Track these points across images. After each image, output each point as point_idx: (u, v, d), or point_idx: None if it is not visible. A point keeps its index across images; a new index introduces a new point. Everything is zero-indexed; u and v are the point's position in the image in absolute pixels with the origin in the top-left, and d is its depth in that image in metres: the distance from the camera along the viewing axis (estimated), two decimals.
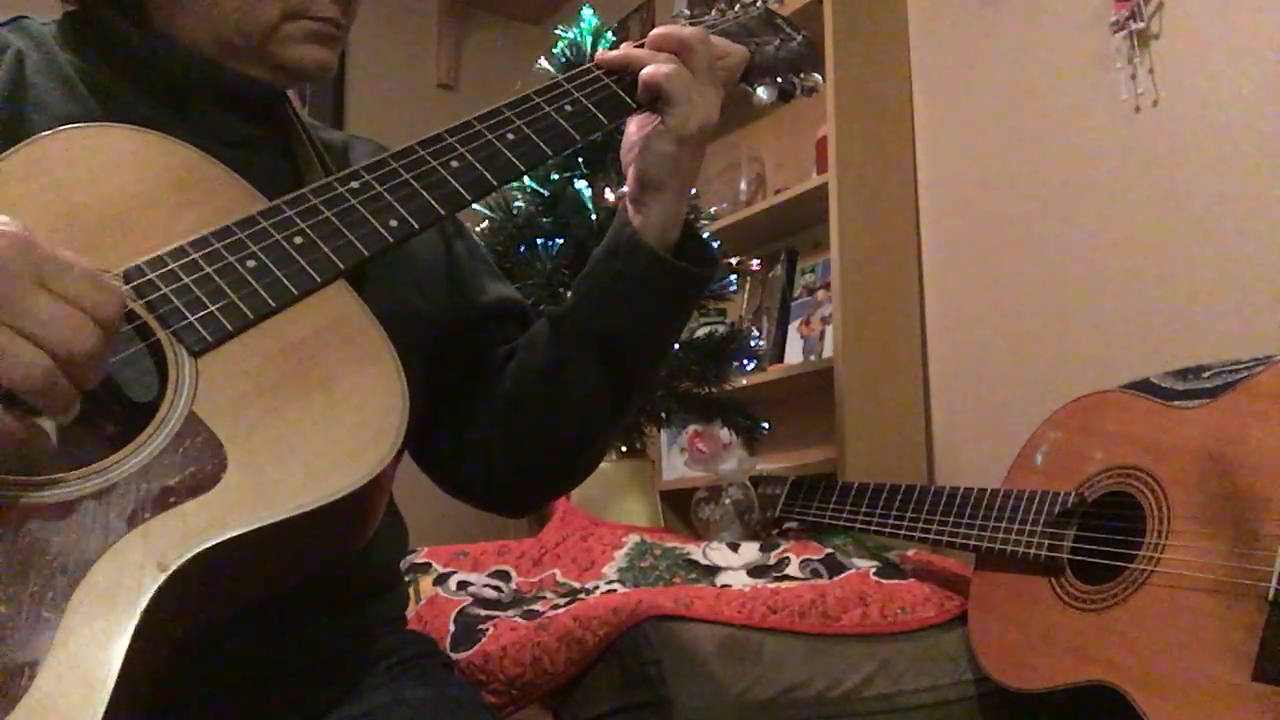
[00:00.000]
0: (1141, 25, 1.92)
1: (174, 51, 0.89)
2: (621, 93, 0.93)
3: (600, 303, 0.96)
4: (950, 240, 2.33)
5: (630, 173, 0.95)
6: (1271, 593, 1.09)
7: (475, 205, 2.06)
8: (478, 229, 2.05)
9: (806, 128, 2.66)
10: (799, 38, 1.07)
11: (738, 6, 1.07)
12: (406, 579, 1.49)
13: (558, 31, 2.09)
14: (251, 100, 0.92)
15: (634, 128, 0.96)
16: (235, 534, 0.60)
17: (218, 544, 0.60)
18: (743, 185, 2.83)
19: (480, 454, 1.01)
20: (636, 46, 0.96)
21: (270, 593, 0.68)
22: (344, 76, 3.49)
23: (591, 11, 2.10)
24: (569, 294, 1.00)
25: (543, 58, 2.07)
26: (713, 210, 2.62)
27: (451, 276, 1.04)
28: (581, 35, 2.05)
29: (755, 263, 2.66)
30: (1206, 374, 1.43)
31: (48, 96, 0.84)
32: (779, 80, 1.05)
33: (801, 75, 1.06)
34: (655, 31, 0.95)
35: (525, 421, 0.99)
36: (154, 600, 0.57)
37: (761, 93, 1.04)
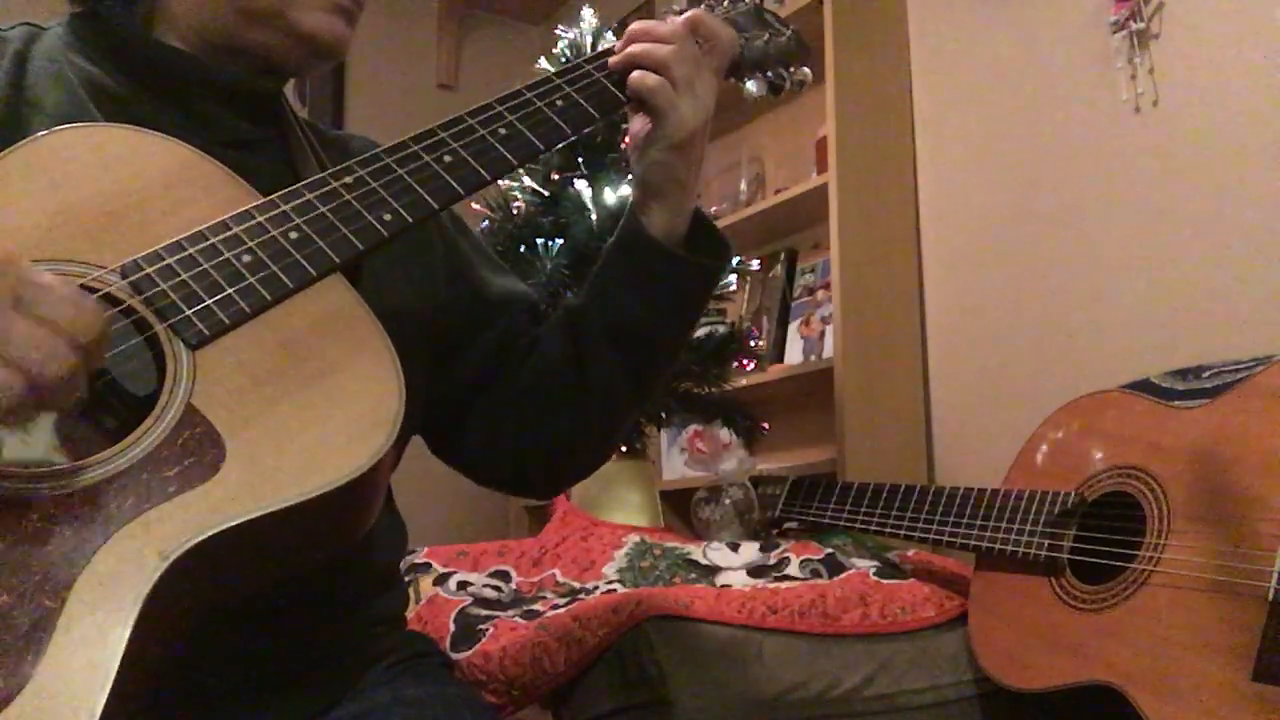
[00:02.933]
0: (1141, 25, 1.92)
1: (176, 49, 0.89)
2: (612, 87, 0.94)
3: (614, 296, 0.98)
4: (950, 240, 2.33)
5: (633, 176, 0.97)
6: (1271, 593, 1.08)
7: (474, 204, 2.07)
8: (478, 229, 2.05)
9: (806, 128, 2.66)
10: (788, 32, 1.07)
11: (726, 2, 1.07)
12: (406, 579, 1.49)
13: (558, 31, 2.10)
14: (251, 98, 0.93)
15: (637, 125, 0.97)
16: (235, 523, 0.61)
17: (217, 533, 0.60)
18: (743, 185, 2.83)
19: (510, 444, 1.03)
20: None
21: (270, 583, 0.69)
22: (344, 76, 3.50)
23: (591, 11, 2.10)
24: (583, 287, 1.02)
25: (543, 58, 2.07)
26: (713, 210, 2.62)
27: (456, 274, 1.05)
28: (581, 35, 2.05)
29: (755, 263, 2.66)
30: (1206, 374, 1.43)
31: (46, 95, 0.85)
32: (768, 74, 1.06)
33: (791, 69, 1.07)
34: (632, 27, 0.96)
35: (550, 410, 1.01)
36: (155, 589, 0.57)
37: (751, 86, 1.05)
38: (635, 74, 0.93)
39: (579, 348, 0.99)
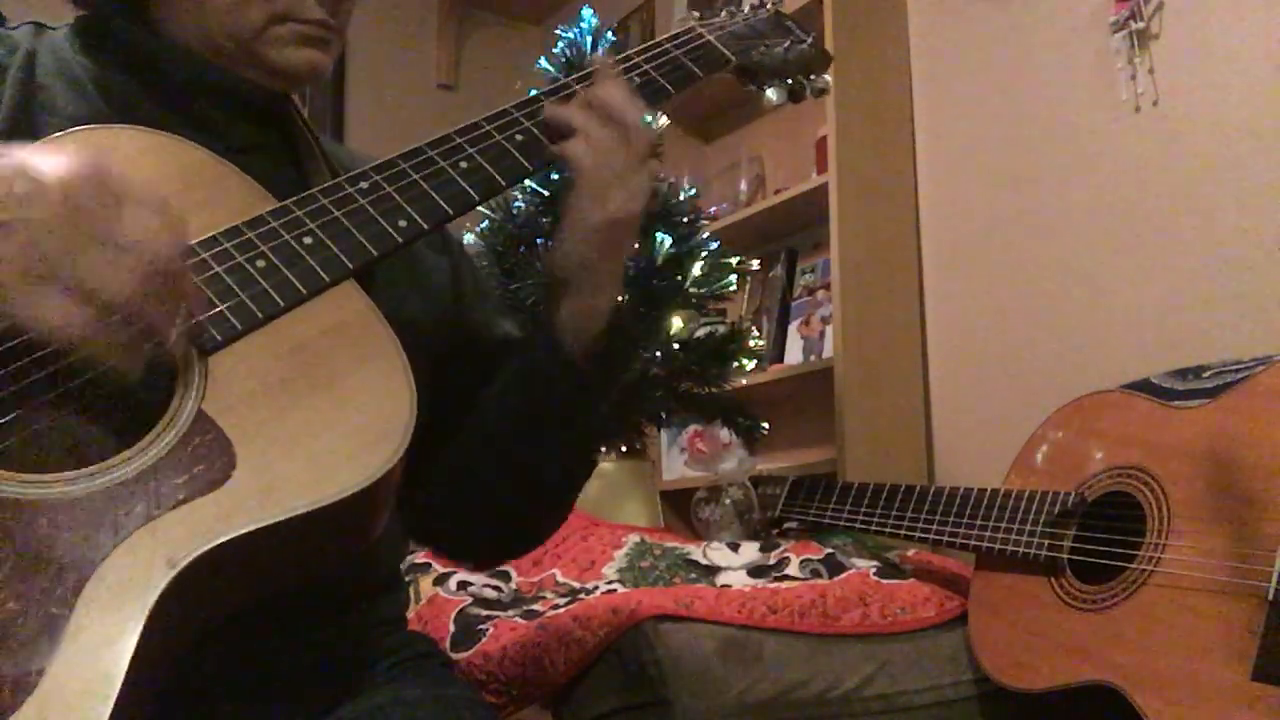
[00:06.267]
0: (1141, 25, 1.93)
1: (180, 54, 0.89)
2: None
3: (512, 394, 0.94)
4: (950, 240, 2.33)
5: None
6: (1271, 593, 1.09)
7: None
8: (478, 229, 2.05)
9: (806, 128, 2.66)
10: (808, 39, 1.08)
11: (747, 8, 1.08)
12: (406, 579, 1.48)
13: (558, 31, 2.09)
14: (256, 103, 0.92)
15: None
16: (244, 531, 0.61)
17: (226, 541, 0.60)
18: (743, 185, 2.83)
19: (424, 495, 0.97)
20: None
21: (278, 591, 0.69)
22: (344, 76, 3.50)
23: (591, 11, 2.10)
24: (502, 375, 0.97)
25: (543, 58, 2.07)
26: (713, 210, 2.62)
27: (457, 300, 1.03)
28: (581, 35, 2.05)
29: (755, 263, 2.66)
30: (1206, 374, 1.43)
31: (58, 98, 0.85)
32: (788, 82, 1.06)
33: (811, 77, 1.07)
34: (599, 94, 0.90)
35: (473, 484, 0.96)
36: (163, 597, 0.57)
37: (771, 94, 1.05)
38: (572, 143, 0.88)
39: (489, 433, 0.94)
